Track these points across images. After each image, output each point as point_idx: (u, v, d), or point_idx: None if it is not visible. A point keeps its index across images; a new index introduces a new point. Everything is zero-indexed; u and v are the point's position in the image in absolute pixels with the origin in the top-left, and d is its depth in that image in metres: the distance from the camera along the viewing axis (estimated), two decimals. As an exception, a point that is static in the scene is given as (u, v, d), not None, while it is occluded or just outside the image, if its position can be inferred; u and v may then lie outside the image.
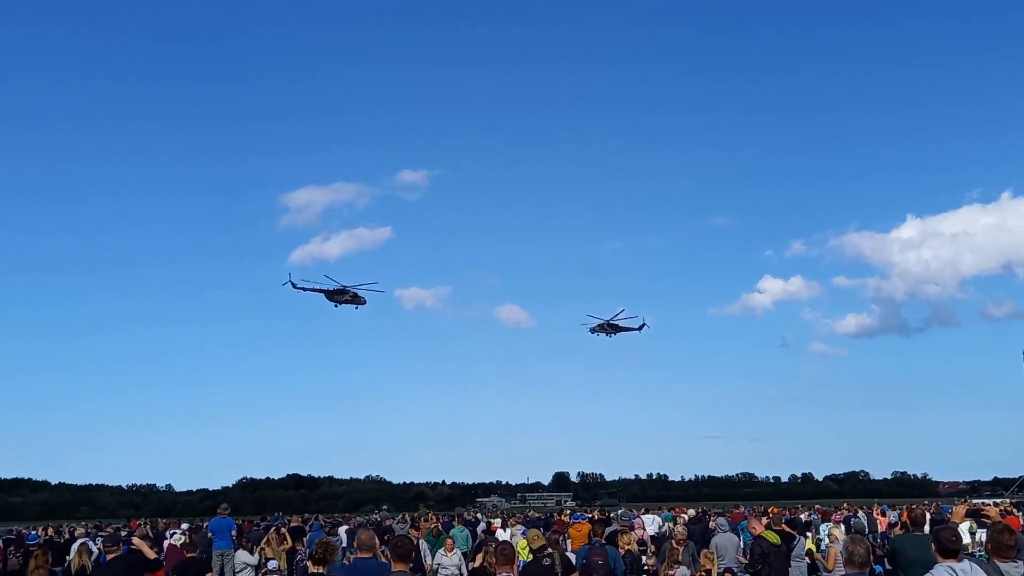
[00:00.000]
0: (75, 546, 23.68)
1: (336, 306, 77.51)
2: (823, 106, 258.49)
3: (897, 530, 19.39)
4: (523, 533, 18.58)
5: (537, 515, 44.92)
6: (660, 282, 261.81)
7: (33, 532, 32.72)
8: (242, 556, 18.55)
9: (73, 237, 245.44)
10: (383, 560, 10.64)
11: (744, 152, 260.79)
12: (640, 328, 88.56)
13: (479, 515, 54.04)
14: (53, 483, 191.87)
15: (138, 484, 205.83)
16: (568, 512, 43.99)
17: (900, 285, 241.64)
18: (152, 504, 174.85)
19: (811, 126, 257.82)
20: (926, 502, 46.74)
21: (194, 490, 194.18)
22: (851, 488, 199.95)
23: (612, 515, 34.39)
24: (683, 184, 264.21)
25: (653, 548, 20.20)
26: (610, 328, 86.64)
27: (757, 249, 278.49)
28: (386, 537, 24.30)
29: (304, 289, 75.17)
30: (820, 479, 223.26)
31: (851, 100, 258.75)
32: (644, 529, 25.34)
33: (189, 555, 16.49)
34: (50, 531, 33.41)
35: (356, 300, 77.61)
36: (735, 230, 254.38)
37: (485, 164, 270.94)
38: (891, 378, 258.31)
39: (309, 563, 11.86)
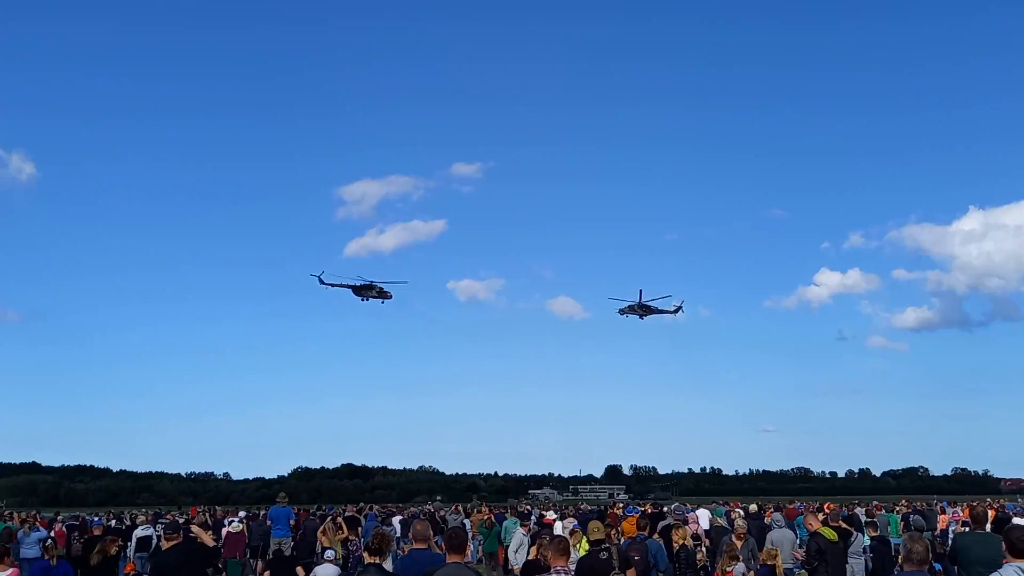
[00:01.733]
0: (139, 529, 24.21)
1: (364, 300, 78.67)
2: (883, 96, 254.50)
3: (959, 528, 19.04)
4: (575, 526, 18.47)
5: (589, 508, 44.81)
6: (716, 274, 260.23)
7: (97, 518, 33.50)
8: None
9: (134, 234, 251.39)
10: (437, 551, 10.67)
11: (802, 143, 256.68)
12: (676, 311, 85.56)
13: (531, 507, 54.15)
14: (115, 470, 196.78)
15: (196, 472, 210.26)
16: (621, 505, 43.83)
17: (962, 278, 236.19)
18: (210, 492, 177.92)
19: (870, 116, 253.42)
20: (987, 499, 45.75)
21: (251, 479, 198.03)
22: (910, 484, 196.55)
23: (665, 509, 34.21)
24: (740, 176, 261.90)
25: (707, 543, 20.01)
26: (641, 309, 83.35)
27: (814, 241, 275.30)
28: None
29: (331, 285, 76.80)
30: (878, 475, 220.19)
31: (912, 91, 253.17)
32: (698, 524, 25.14)
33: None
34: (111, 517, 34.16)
35: (382, 295, 78.74)
36: (792, 222, 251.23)
37: (538, 156, 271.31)
38: (952, 373, 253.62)
39: (365, 553, 11.95)
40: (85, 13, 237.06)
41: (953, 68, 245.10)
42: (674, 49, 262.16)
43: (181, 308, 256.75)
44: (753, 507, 29.93)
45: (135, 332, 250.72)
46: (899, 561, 7.71)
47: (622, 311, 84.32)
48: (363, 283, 77.37)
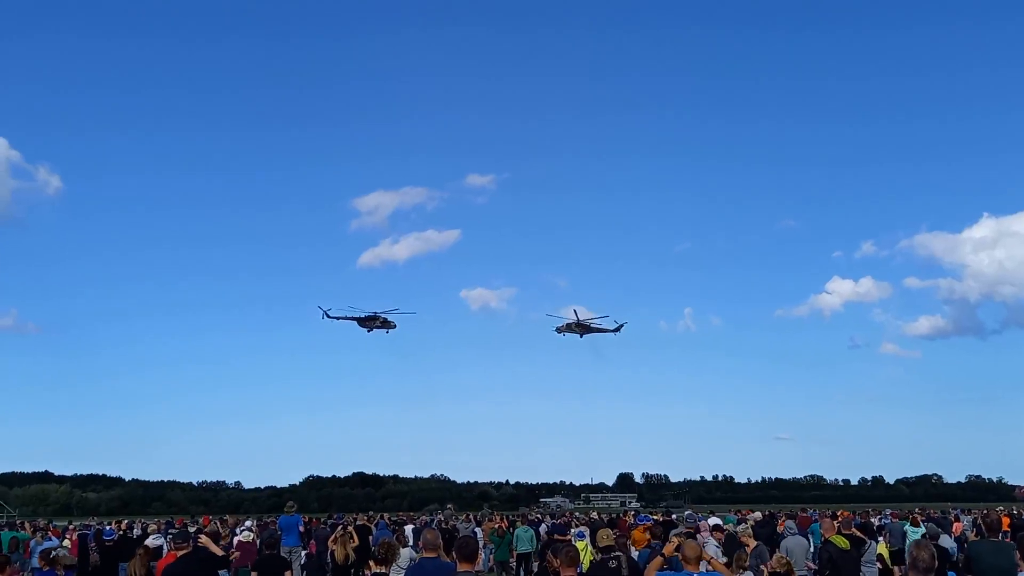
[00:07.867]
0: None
1: (369, 331, 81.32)
2: (893, 104, 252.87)
3: (972, 536, 18.88)
4: (579, 535, 18.33)
5: (597, 516, 44.65)
6: (727, 284, 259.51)
7: (109, 528, 33.51)
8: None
9: (147, 245, 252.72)
10: (448, 560, 10.63)
11: (812, 152, 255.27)
12: (616, 330, 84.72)
13: (541, 515, 53.99)
14: (127, 479, 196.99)
15: (208, 481, 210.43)
16: (632, 513, 43.67)
17: (974, 286, 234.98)
18: (221, 501, 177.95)
19: (881, 124, 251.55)
20: (1000, 507, 45.34)
21: (262, 487, 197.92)
22: (923, 492, 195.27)
23: (677, 517, 34.07)
24: (751, 186, 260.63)
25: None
26: (580, 328, 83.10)
27: (826, 250, 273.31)
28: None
29: (336, 318, 79.66)
30: (891, 482, 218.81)
31: (923, 98, 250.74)
32: (709, 532, 24.96)
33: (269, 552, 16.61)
34: (123, 526, 34.13)
35: (387, 325, 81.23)
36: (803, 231, 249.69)
37: (551, 167, 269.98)
38: (965, 380, 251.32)
39: (372, 563, 11.90)
40: (108, 27, 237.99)
41: (964, 75, 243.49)
42: (683, 60, 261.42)
43: (194, 318, 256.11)
44: (757, 514, 29.73)
45: (148, 342, 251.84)
46: (907, 568, 7.61)
47: (559, 329, 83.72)
48: (367, 315, 79.76)
